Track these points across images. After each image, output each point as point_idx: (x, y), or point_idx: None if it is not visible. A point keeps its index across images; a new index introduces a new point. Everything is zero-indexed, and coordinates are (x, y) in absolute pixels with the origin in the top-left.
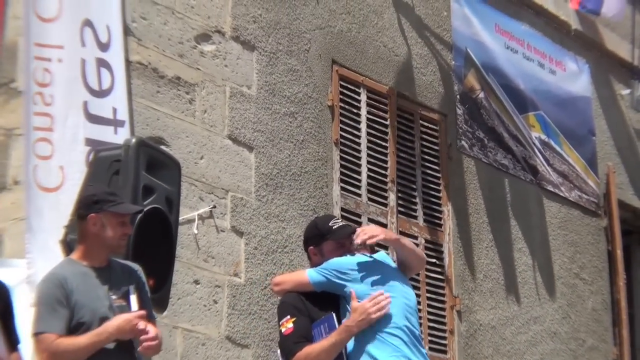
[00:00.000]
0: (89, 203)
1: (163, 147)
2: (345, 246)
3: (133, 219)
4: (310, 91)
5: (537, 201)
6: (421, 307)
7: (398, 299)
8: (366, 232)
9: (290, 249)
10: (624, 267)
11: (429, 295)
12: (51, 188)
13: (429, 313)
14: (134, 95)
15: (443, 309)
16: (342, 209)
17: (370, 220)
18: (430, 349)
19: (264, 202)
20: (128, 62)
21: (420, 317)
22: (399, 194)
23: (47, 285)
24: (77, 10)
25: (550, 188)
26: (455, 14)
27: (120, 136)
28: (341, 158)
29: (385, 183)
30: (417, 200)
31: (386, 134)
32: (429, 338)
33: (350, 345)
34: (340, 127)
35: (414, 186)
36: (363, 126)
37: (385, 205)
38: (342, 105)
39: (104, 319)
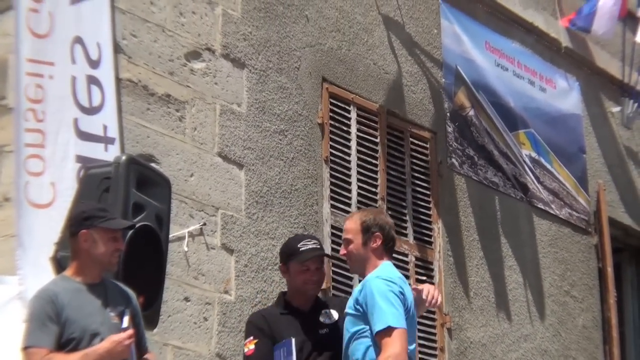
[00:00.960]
0: (80, 219)
1: (153, 165)
2: (310, 270)
3: (125, 235)
4: (301, 109)
5: (528, 219)
6: None
7: None
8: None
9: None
10: (614, 285)
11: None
12: (42, 204)
13: (420, 331)
14: (124, 113)
15: (433, 327)
16: (332, 227)
17: None
18: None
19: (254, 219)
20: (118, 80)
21: None
22: (389, 212)
23: (39, 301)
24: (68, 27)
25: (540, 206)
26: (446, 32)
27: (110, 153)
28: (331, 175)
29: (375, 200)
30: (407, 217)
31: (376, 151)
32: (420, 356)
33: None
34: (330, 145)
35: (404, 204)
36: (353, 144)
37: None
38: (332, 122)
39: (94, 335)
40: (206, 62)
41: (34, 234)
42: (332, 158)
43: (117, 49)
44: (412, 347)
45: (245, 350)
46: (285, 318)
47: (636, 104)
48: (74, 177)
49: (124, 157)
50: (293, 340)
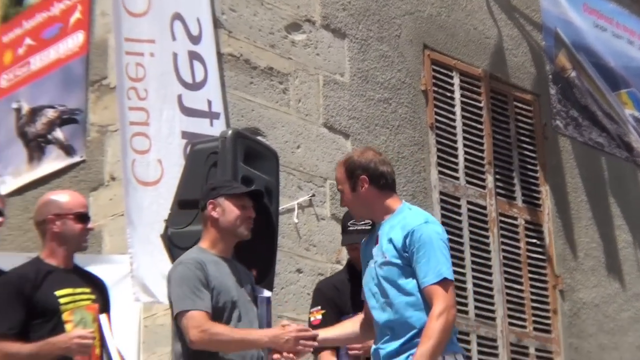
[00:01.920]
0: (208, 191)
1: (259, 138)
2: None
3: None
4: (403, 76)
5: (634, 178)
6: (524, 287)
7: None
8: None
9: None
10: None
11: (531, 275)
12: (150, 182)
13: (532, 293)
14: (227, 87)
15: (546, 289)
16: (441, 193)
17: (469, 203)
18: (535, 329)
19: None
20: (220, 55)
21: (523, 298)
22: (497, 176)
23: (188, 267)
24: (166, 4)
25: None
26: None
27: (216, 128)
28: (437, 142)
29: (482, 165)
30: (515, 181)
31: (481, 116)
32: (533, 318)
33: None
34: (435, 111)
35: (512, 167)
36: (457, 109)
37: (484, 187)
38: (436, 89)
39: (233, 309)
40: (307, 34)
41: (143, 212)
42: (437, 124)
43: (217, 24)
44: None
45: (312, 318)
46: (353, 285)
47: None
48: (180, 154)
49: (230, 131)
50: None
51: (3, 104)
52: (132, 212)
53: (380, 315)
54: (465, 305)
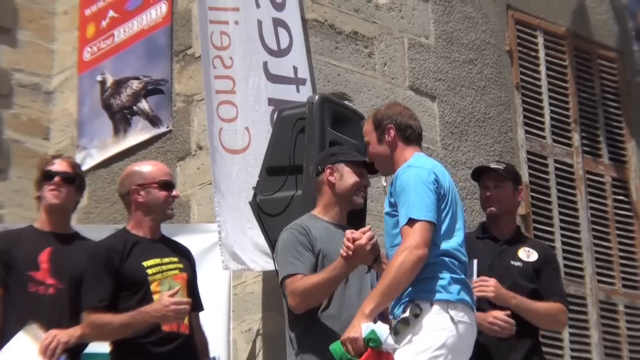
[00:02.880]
0: (326, 156)
1: (346, 102)
2: (488, 188)
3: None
4: (488, 37)
5: None
6: (612, 244)
7: None
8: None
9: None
10: None
11: (618, 232)
12: (238, 150)
13: (620, 250)
14: (312, 53)
15: (633, 245)
16: (528, 152)
17: (556, 162)
18: (624, 285)
19: (450, 150)
20: (304, 20)
21: (611, 255)
22: (583, 134)
23: (291, 232)
24: None
25: None
26: None
27: (302, 94)
28: (523, 102)
29: (568, 124)
30: (601, 138)
31: (565, 74)
32: (621, 275)
33: None
34: (520, 71)
35: (597, 125)
36: (542, 68)
37: (570, 145)
38: (520, 49)
39: None
40: None
41: (231, 180)
42: (523, 84)
43: None
44: (457, 240)
45: None
46: (480, 242)
47: None
48: (267, 121)
49: (317, 97)
50: (475, 261)
51: (87, 77)
52: (220, 181)
53: None
54: None
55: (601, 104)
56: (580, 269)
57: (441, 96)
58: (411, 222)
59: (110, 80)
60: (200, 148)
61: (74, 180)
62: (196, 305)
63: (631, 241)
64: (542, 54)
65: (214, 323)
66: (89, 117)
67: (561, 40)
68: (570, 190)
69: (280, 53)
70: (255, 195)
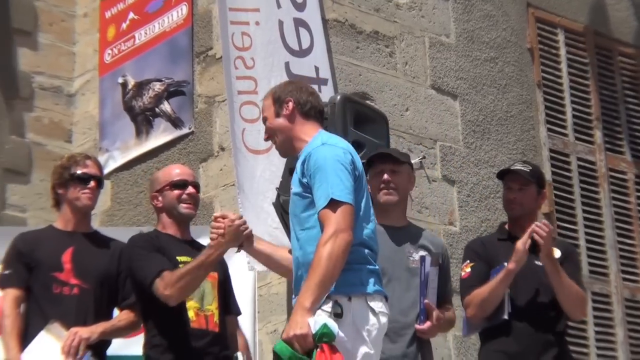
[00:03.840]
0: None
1: (368, 102)
2: (512, 189)
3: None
4: (509, 35)
5: None
6: (636, 242)
7: None
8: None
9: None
10: None
11: None
12: (261, 150)
13: None
14: (333, 53)
15: None
16: (551, 150)
17: (579, 159)
18: None
19: (473, 148)
20: (325, 20)
21: (635, 252)
22: (605, 131)
23: None
24: None
25: None
26: None
27: (324, 94)
28: (545, 99)
29: (590, 121)
30: (623, 135)
31: (587, 72)
32: None
33: None
34: (542, 69)
35: (619, 122)
36: (564, 66)
37: (592, 143)
38: (541, 47)
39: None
40: None
41: (255, 180)
42: (544, 82)
43: None
44: (371, 226)
45: (462, 273)
46: (503, 244)
47: None
48: None
49: (339, 97)
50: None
51: (108, 80)
52: (243, 181)
53: (294, 253)
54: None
55: (622, 100)
56: (605, 267)
57: (463, 95)
58: (332, 204)
59: (131, 82)
60: (222, 149)
61: (103, 181)
62: (233, 308)
63: None
64: (563, 51)
65: (240, 324)
66: (111, 119)
67: (582, 38)
68: (593, 188)
69: (302, 53)
70: (278, 196)
